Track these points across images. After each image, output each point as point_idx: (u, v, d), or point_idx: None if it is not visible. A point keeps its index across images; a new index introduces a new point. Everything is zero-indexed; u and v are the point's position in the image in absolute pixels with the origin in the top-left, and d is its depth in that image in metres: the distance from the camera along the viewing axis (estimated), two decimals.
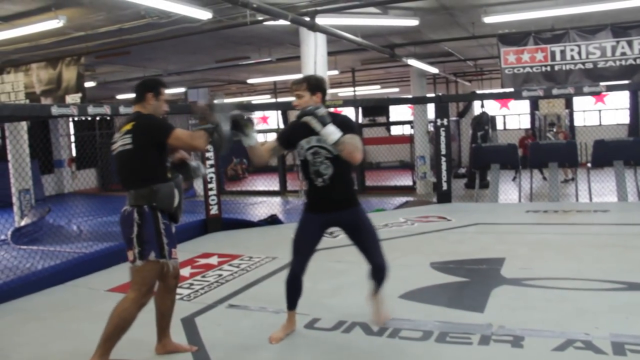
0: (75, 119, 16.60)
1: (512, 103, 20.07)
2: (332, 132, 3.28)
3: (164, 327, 3.53)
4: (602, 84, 8.77)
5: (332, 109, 9.60)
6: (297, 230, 3.61)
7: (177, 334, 3.83)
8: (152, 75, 13.73)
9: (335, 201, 3.51)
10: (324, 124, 3.29)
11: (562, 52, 9.15)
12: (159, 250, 3.18)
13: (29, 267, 6.63)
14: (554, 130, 15.38)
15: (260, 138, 3.50)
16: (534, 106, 18.28)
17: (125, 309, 3.16)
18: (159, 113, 3.41)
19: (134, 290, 3.20)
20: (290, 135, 3.58)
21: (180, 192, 3.36)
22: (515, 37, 9.42)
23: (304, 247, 3.56)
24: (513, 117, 20.60)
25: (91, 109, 6.31)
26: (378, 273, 3.64)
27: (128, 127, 3.24)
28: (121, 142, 3.24)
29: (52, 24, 7.45)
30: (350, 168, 3.54)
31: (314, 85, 3.49)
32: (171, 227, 3.30)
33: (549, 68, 9.26)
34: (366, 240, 3.59)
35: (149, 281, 3.23)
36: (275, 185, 15.04)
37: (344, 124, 3.41)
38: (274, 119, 21.65)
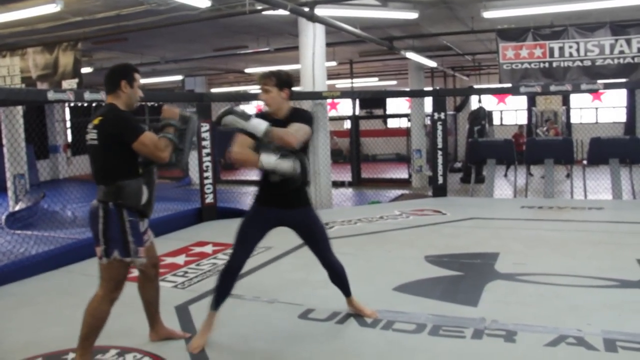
0: (72, 104, 16.51)
1: (509, 99, 20.08)
2: (257, 124, 3.12)
3: (153, 314, 3.52)
4: (599, 81, 8.78)
5: (329, 100, 9.53)
6: (245, 219, 3.46)
7: (171, 322, 3.83)
8: (149, 62, 13.68)
9: (287, 198, 3.39)
10: (246, 119, 3.12)
11: (561, 49, 9.14)
12: (123, 249, 3.08)
13: (22, 251, 6.62)
14: (545, 127, 15.39)
15: None
16: (531, 102, 18.32)
17: (96, 308, 3.10)
18: (135, 100, 3.26)
19: (102, 287, 3.13)
20: None
21: (151, 188, 3.24)
22: (514, 32, 9.41)
23: (249, 240, 3.42)
24: (510, 112, 20.62)
25: (88, 95, 6.26)
26: (334, 273, 3.66)
27: (96, 121, 3.08)
28: (90, 135, 3.11)
29: (49, 8, 7.36)
30: (307, 166, 3.42)
31: (284, 80, 3.35)
32: (139, 224, 3.17)
33: (547, 64, 9.25)
34: (318, 241, 3.56)
35: (117, 277, 3.13)
36: None
37: (298, 116, 3.36)
38: None
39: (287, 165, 3.21)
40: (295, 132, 3.21)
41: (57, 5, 7.23)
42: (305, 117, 3.38)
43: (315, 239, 3.55)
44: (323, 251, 3.58)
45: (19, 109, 11.18)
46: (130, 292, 3.71)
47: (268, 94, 3.34)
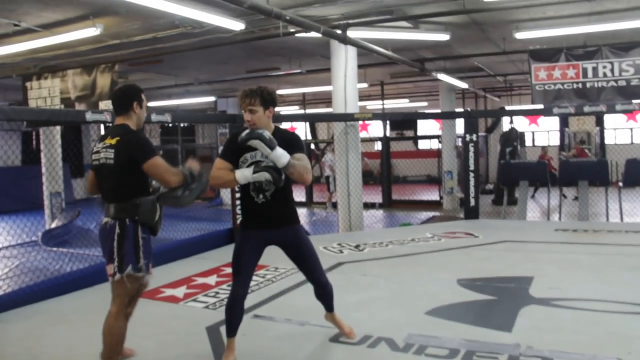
0: (107, 125, 16.88)
1: (542, 120, 19.86)
2: (281, 156, 3.12)
3: None
4: (635, 102, 8.63)
5: (360, 122, 9.47)
6: (236, 249, 3.42)
7: (202, 343, 3.85)
8: (183, 84, 13.93)
9: (274, 219, 3.37)
10: (272, 148, 3.10)
11: (595, 69, 9.04)
12: (136, 264, 3.15)
13: (58, 269, 6.74)
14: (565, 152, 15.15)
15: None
16: (564, 123, 18.07)
17: (113, 325, 3.15)
18: (143, 121, 3.40)
19: (115, 304, 3.18)
20: (236, 152, 3.32)
21: (161, 206, 3.32)
22: (547, 53, 9.33)
23: (246, 267, 3.39)
24: (542, 133, 20.38)
25: None
26: (323, 291, 3.64)
27: (112, 141, 3.18)
28: (104, 154, 3.19)
29: (90, 32, 7.62)
30: (291, 185, 3.43)
31: (268, 100, 3.30)
32: (150, 242, 3.27)
33: (580, 85, 9.15)
34: (307, 260, 3.51)
35: (130, 293, 3.22)
36: (301, 197, 15.07)
37: (293, 143, 3.30)
38: (302, 130, 21.72)
39: (263, 177, 3.17)
40: (307, 164, 3.26)
41: (97, 29, 7.47)
42: (297, 144, 3.34)
43: (304, 257, 3.50)
44: (312, 271, 3.55)
45: (58, 129, 11.48)
46: (162, 312, 3.75)
47: (254, 115, 3.27)
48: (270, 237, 3.41)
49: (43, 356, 3.76)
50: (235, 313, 3.40)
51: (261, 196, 3.32)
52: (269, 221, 3.37)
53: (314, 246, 3.57)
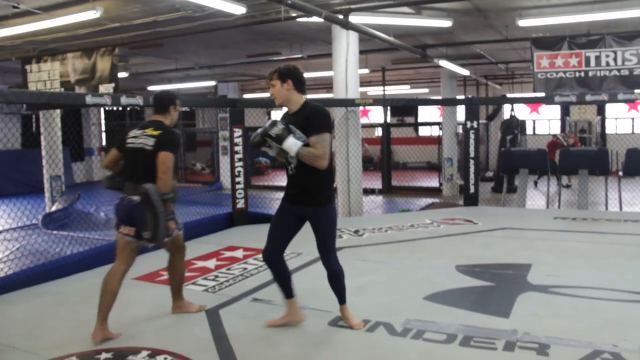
0: (107, 108, 16.84)
1: (543, 108, 19.81)
2: (289, 148, 3.42)
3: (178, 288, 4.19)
4: (637, 91, 8.61)
5: (361, 107, 9.44)
6: (273, 217, 3.83)
7: (201, 325, 3.88)
8: (183, 68, 13.88)
9: (298, 194, 3.62)
10: (280, 141, 3.42)
11: (597, 58, 9.00)
12: (177, 225, 3.95)
13: (58, 251, 6.77)
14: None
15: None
16: (565, 112, 18.03)
17: (182, 263, 4.13)
18: (175, 120, 4.05)
19: (179, 252, 4.07)
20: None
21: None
22: (550, 41, 9.29)
23: (276, 233, 3.72)
24: (543, 122, 20.34)
25: (124, 99, 6.37)
26: (329, 275, 3.70)
27: (155, 132, 3.76)
28: (143, 140, 3.75)
29: (89, 14, 7.56)
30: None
31: (284, 73, 3.58)
32: None
33: (582, 74, 9.11)
34: (318, 241, 3.66)
35: (183, 243, 4.09)
36: None
37: (309, 122, 3.50)
38: None
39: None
40: (320, 149, 3.44)
41: (97, 11, 7.42)
42: (316, 124, 3.50)
43: (317, 237, 3.65)
44: (321, 252, 3.68)
45: (57, 113, 11.45)
46: (161, 294, 3.78)
47: (274, 88, 3.62)
48: (296, 211, 3.67)
49: (44, 337, 3.79)
50: (273, 269, 3.77)
51: (290, 167, 3.60)
52: (293, 195, 3.65)
53: (331, 234, 3.66)
